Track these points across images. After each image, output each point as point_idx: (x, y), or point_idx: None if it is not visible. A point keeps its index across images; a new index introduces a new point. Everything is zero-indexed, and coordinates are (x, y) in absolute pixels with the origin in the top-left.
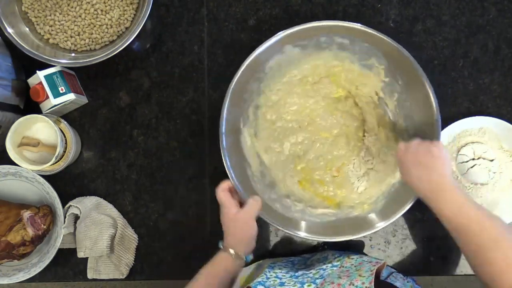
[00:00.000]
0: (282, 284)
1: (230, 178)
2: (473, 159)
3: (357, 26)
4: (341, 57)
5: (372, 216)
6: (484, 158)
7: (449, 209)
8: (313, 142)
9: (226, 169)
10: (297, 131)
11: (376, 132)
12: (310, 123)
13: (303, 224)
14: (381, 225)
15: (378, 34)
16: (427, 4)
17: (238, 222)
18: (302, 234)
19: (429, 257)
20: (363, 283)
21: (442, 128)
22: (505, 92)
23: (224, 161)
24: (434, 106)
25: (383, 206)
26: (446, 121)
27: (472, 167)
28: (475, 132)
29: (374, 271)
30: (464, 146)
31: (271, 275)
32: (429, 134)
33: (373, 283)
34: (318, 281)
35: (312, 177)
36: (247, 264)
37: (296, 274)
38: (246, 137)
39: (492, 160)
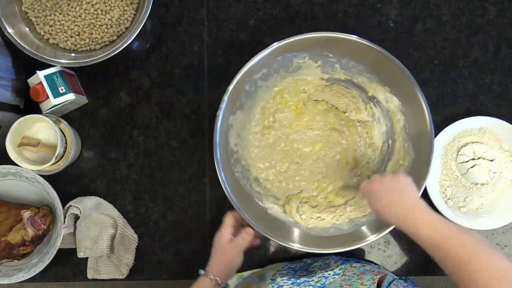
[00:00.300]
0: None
1: (224, 189)
2: (473, 159)
3: (347, 36)
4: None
5: (364, 229)
6: (484, 158)
7: (427, 229)
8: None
9: (221, 181)
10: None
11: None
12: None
13: (295, 235)
14: (371, 238)
15: (365, 43)
16: (427, 4)
17: (226, 253)
18: (295, 245)
19: (429, 257)
20: None
21: (442, 128)
22: (505, 92)
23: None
24: (427, 118)
25: (375, 219)
26: (446, 121)
27: (472, 167)
28: (475, 132)
29: (376, 280)
30: (464, 146)
31: (273, 286)
32: (423, 145)
33: None
34: (318, 286)
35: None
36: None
37: (298, 281)
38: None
39: (492, 160)
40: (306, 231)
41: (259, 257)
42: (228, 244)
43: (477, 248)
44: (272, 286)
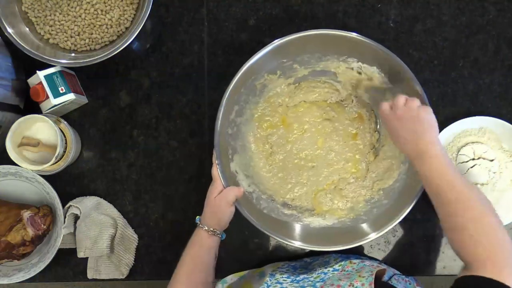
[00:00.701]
0: (287, 276)
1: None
2: (473, 159)
3: (354, 35)
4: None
5: (365, 226)
6: (484, 158)
7: (432, 174)
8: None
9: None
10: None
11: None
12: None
13: (297, 233)
14: (372, 235)
15: (370, 43)
16: (427, 4)
17: (215, 207)
18: (296, 243)
19: (429, 257)
20: (362, 284)
21: (443, 128)
22: (505, 92)
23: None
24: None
25: (376, 217)
26: (446, 121)
27: (472, 167)
28: (475, 132)
29: (374, 272)
30: (464, 146)
31: (271, 282)
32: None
33: (372, 284)
34: (318, 284)
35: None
36: (244, 265)
37: (297, 279)
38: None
39: (492, 160)
40: (313, 227)
41: (259, 257)
42: (216, 199)
43: (472, 204)
44: (271, 281)
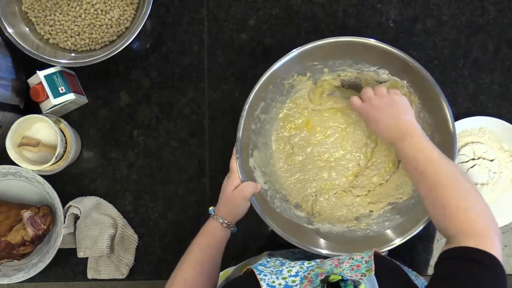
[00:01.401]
0: (282, 264)
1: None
2: (473, 159)
3: (375, 43)
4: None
5: (389, 232)
6: (484, 158)
7: (413, 151)
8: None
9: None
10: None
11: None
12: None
13: (322, 241)
14: (397, 241)
15: (395, 51)
16: (427, 4)
17: (231, 200)
18: (323, 251)
19: (429, 257)
20: (362, 257)
21: None
22: (505, 92)
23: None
24: (451, 128)
25: (399, 223)
26: None
27: (472, 167)
28: (475, 132)
29: (374, 249)
30: (464, 146)
31: (271, 259)
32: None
33: (372, 257)
34: (318, 260)
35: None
36: (242, 254)
37: (296, 260)
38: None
39: (492, 160)
40: (334, 233)
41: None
42: (233, 192)
43: (452, 178)
44: (270, 258)
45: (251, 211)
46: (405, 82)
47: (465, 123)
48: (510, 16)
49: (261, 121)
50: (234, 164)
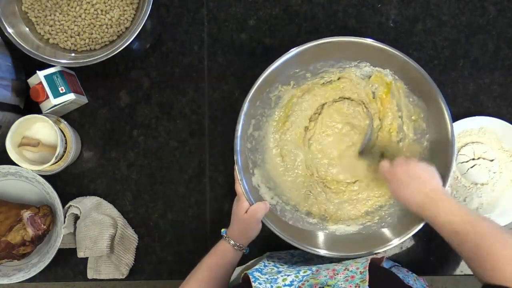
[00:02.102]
0: (279, 272)
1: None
2: (473, 159)
3: (370, 42)
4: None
5: (386, 231)
6: (484, 158)
7: (444, 216)
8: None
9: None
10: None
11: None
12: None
13: (320, 241)
14: (395, 241)
15: (391, 50)
16: (427, 4)
17: (244, 223)
18: (321, 251)
19: (429, 257)
20: (357, 268)
21: None
22: (505, 92)
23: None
24: (449, 127)
25: (397, 222)
26: None
27: (472, 167)
28: (475, 132)
29: (370, 258)
30: (464, 146)
31: (269, 263)
32: (443, 152)
33: (367, 268)
34: (314, 268)
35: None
36: (244, 256)
37: (294, 266)
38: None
39: (492, 160)
40: (334, 234)
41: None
42: (245, 215)
43: (492, 233)
44: (268, 261)
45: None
46: (388, 70)
47: (465, 123)
48: (510, 16)
49: (255, 138)
50: (239, 188)
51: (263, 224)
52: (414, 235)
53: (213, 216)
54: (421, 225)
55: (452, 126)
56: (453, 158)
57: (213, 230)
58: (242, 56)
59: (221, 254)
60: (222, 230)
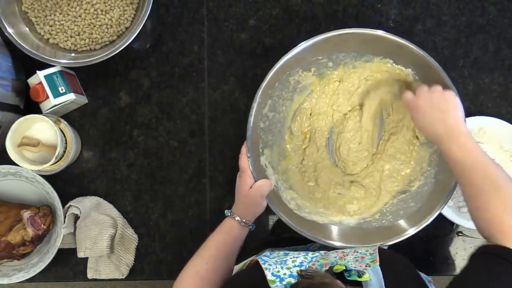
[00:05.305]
0: (286, 254)
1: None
2: None
3: (385, 34)
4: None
5: (402, 222)
6: None
7: (459, 152)
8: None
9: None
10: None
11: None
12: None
13: (328, 232)
14: (411, 231)
15: (408, 44)
16: (427, 4)
17: (249, 199)
18: (337, 244)
19: (429, 257)
20: (366, 250)
21: None
22: (505, 92)
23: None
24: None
25: (412, 213)
26: None
27: None
28: (475, 132)
29: (378, 244)
30: None
31: (274, 251)
32: None
33: (377, 250)
34: (322, 251)
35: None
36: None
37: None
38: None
39: None
40: (350, 225)
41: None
42: (250, 191)
43: (499, 181)
44: (272, 252)
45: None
46: (410, 70)
47: None
48: (510, 16)
49: (269, 119)
50: (245, 162)
51: (261, 220)
52: (414, 235)
53: (213, 216)
54: (435, 215)
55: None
56: None
57: (213, 230)
58: (242, 56)
59: (228, 231)
60: (226, 211)
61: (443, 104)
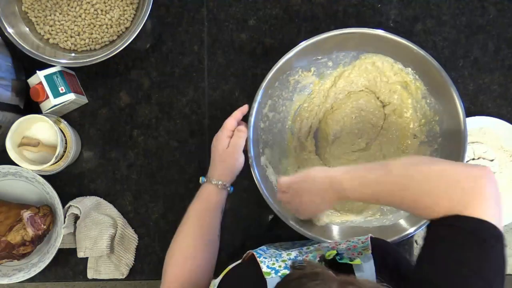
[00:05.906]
0: (282, 249)
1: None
2: (473, 159)
3: (386, 34)
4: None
5: (402, 221)
6: (484, 158)
7: (353, 192)
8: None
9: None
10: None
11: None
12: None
13: (334, 232)
14: (411, 230)
15: (406, 43)
16: (427, 4)
17: (226, 157)
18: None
19: None
20: (359, 239)
21: None
22: (505, 92)
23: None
24: (461, 117)
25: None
26: None
27: None
28: (475, 132)
29: (369, 236)
30: None
31: (269, 247)
32: (455, 142)
33: (369, 239)
34: (316, 245)
35: None
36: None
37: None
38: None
39: (492, 160)
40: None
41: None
42: (226, 148)
43: (407, 170)
44: (268, 248)
45: (250, 204)
46: (409, 69)
47: None
48: (510, 16)
49: (269, 119)
50: (231, 124)
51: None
52: (413, 235)
53: None
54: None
55: (466, 131)
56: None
57: None
58: (242, 56)
59: (206, 198)
60: (201, 178)
61: (306, 185)
